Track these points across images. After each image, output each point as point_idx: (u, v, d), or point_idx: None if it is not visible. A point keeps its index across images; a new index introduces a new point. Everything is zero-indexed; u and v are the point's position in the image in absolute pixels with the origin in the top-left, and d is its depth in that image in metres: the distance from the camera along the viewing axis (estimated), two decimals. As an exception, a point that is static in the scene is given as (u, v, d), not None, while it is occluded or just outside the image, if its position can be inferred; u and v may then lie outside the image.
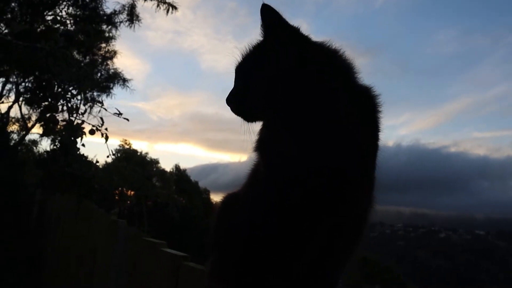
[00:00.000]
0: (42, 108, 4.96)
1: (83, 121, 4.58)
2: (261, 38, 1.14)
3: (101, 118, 4.33)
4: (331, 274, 1.11)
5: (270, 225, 1.02)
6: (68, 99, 4.83)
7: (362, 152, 1.02)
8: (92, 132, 4.40)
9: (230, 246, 1.16)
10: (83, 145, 4.64)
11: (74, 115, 4.70)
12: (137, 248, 1.90)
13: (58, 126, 5.08)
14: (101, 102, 4.85)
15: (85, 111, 5.16)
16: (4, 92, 10.68)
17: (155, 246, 1.70)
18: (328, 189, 0.97)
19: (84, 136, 4.44)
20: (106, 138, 4.37)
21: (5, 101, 10.88)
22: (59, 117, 5.22)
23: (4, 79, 9.90)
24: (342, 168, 0.97)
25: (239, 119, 1.14)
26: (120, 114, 4.49)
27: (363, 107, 1.05)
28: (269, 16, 1.09)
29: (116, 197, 20.65)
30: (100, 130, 4.35)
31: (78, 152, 4.49)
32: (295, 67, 1.03)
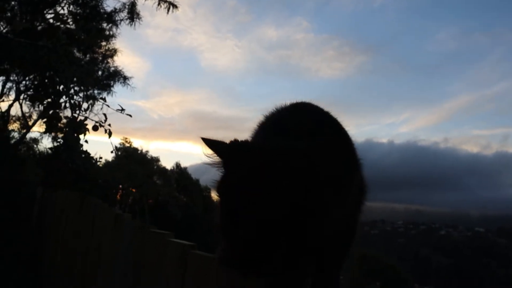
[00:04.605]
0: (45, 105, 4.99)
1: (86, 118, 4.61)
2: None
3: (105, 114, 4.35)
4: (331, 267, 1.14)
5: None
6: (70, 95, 4.86)
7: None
8: (95, 128, 4.42)
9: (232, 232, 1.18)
10: (86, 141, 4.67)
11: (77, 112, 4.73)
12: (143, 239, 1.91)
13: (61, 123, 5.11)
14: (104, 99, 4.89)
15: (88, 108, 5.19)
16: (5, 90, 10.67)
17: (163, 236, 1.71)
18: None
19: (87, 132, 4.47)
20: (110, 134, 4.39)
21: (5, 99, 10.87)
22: (62, 114, 5.26)
23: (4, 78, 9.90)
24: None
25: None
26: (122, 110, 4.51)
27: None
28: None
29: (118, 196, 20.67)
30: (103, 126, 4.37)
31: (81, 149, 4.52)
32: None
